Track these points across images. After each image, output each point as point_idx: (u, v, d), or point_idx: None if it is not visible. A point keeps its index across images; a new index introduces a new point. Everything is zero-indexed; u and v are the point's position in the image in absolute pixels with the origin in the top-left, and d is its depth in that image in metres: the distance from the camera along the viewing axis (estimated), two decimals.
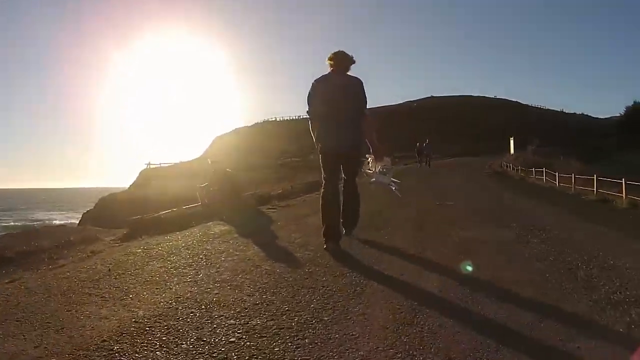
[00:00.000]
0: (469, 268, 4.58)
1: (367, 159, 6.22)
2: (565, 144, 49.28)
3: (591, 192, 14.54)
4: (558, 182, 18.20)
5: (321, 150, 5.64)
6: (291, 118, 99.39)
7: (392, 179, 6.21)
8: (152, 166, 58.66)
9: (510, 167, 30.48)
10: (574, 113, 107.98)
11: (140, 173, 58.18)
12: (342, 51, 5.78)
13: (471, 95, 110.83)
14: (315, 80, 5.71)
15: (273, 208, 10.79)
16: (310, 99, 5.70)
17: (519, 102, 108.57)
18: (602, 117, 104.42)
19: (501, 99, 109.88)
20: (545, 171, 21.33)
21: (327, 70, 5.77)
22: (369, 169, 6.19)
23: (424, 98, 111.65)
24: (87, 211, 44.81)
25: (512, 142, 44.83)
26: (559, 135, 62.78)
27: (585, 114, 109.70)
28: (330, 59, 5.73)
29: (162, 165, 59.52)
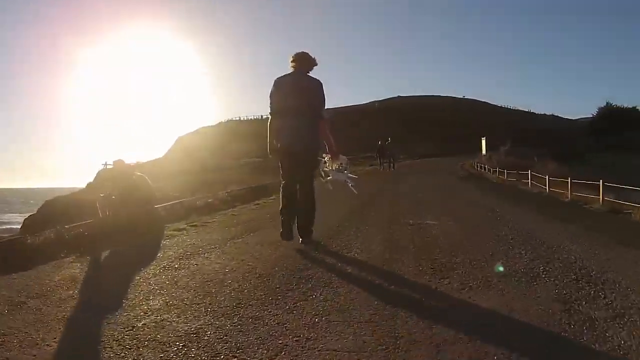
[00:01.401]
0: None
1: (324, 158, 6.47)
2: (536, 144, 48.45)
3: (592, 199, 12.72)
4: (548, 187, 16.09)
5: (278, 148, 5.87)
6: (255, 118, 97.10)
7: (348, 176, 6.61)
8: (108, 166, 56.17)
9: (485, 169, 29.19)
10: (544, 114, 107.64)
11: (97, 173, 55.32)
12: (305, 52, 6.02)
13: (439, 95, 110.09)
14: (277, 79, 5.95)
15: (182, 230, 7.90)
16: (272, 96, 5.92)
17: (488, 103, 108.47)
18: (572, 118, 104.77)
19: (469, 99, 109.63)
20: (530, 174, 19.26)
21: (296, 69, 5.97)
22: (326, 168, 6.52)
23: (391, 98, 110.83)
24: (29, 216, 41.01)
25: (484, 142, 43.69)
26: (530, 135, 62.08)
27: (555, 114, 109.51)
28: (293, 59, 5.96)
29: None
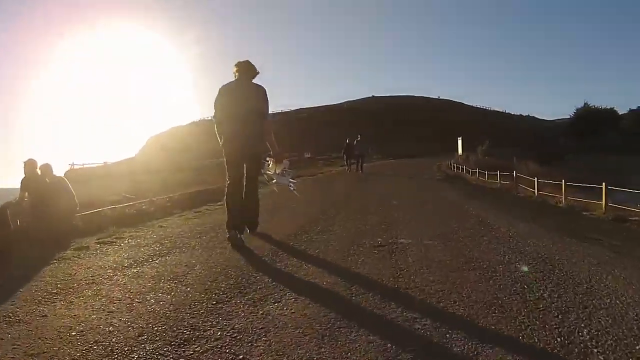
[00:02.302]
0: None
1: (268, 161, 6.83)
2: (514, 145, 47.72)
3: (590, 205, 11.24)
4: (537, 190, 14.33)
5: (225, 152, 6.24)
6: None
7: (290, 180, 6.93)
8: (75, 167, 54.74)
9: (462, 169, 27.78)
10: (520, 114, 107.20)
11: (64, 174, 53.23)
12: (247, 61, 6.37)
13: (413, 96, 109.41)
14: (222, 86, 6.30)
15: (81, 250, 6.21)
16: (216, 103, 6.24)
17: (463, 103, 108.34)
18: (549, 118, 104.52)
19: (444, 99, 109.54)
20: (515, 175, 17.47)
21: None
22: (269, 171, 6.86)
23: (365, 98, 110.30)
24: None
25: (460, 142, 42.84)
26: (507, 136, 61.43)
27: (532, 115, 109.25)
28: (237, 67, 6.30)
29: (85, 166, 55.36)
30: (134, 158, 76.35)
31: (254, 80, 6.35)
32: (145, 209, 10.13)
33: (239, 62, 6.30)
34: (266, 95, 6.34)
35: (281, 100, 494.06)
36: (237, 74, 6.30)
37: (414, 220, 7.92)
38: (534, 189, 14.52)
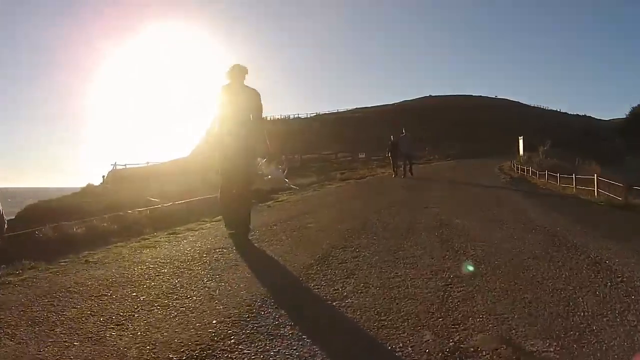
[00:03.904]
0: None
1: (262, 160, 7.36)
2: (571, 145, 44.89)
3: None
4: (626, 199, 11.90)
5: (218, 156, 6.63)
6: (281, 117, 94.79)
7: (285, 176, 7.86)
8: (118, 167, 54.00)
9: (526, 171, 25.39)
10: (577, 114, 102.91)
11: (107, 174, 52.94)
12: (238, 64, 6.57)
13: (471, 95, 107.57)
14: (217, 91, 6.59)
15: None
16: (214, 107, 6.60)
17: (520, 102, 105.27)
18: (604, 118, 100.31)
19: (502, 98, 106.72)
20: (597, 179, 14.78)
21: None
22: (264, 167, 7.48)
23: (422, 97, 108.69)
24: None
25: (521, 142, 40.13)
26: (564, 136, 58.62)
27: (588, 115, 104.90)
28: (228, 72, 6.53)
29: (127, 166, 54.63)
30: (187, 157, 75.86)
31: (246, 83, 6.67)
32: (112, 230, 8.22)
33: (231, 67, 6.58)
34: (259, 97, 6.63)
35: (336, 99, 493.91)
36: (229, 78, 6.57)
37: (499, 274, 4.70)
38: (616, 196, 12.09)
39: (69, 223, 7.48)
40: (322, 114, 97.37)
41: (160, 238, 7.01)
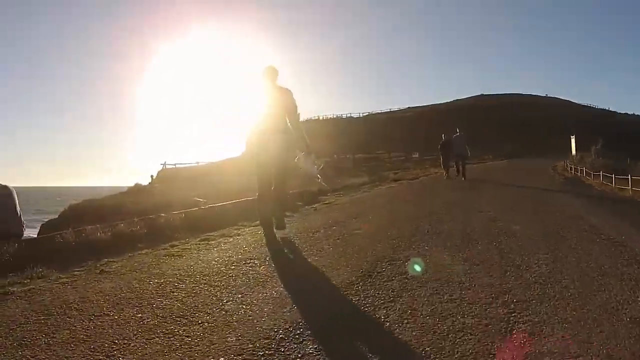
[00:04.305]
0: None
1: (299, 155, 7.08)
2: (621, 145, 43.12)
3: None
4: None
5: (254, 155, 6.62)
6: (334, 116, 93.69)
7: (317, 172, 7.24)
8: (168, 166, 54.29)
9: (579, 172, 24.23)
10: (626, 113, 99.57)
11: (157, 174, 53.32)
12: (270, 66, 6.70)
13: (521, 94, 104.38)
14: (250, 92, 6.88)
15: None
16: (247, 108, 6.78)
17: (570, 101, 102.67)
18: None
19: (552, 97, 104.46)
20: None
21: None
22: (301, 162, 7.11)
23: (474, 96, 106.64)
24: (47, 221, 34.89)
25: (573, 141, 39.14)
26: (613, 135, 56.94)
27: (636, 113, 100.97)
28: (262, 73, 6.64)
29: (176, 166, 54.82)
30: (237, 158, 76.05)
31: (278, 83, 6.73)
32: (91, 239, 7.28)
33: (264, 68, 6.67)
34: (292, 96, 6.65)
35: (390, 99, 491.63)
36: (263, 79, 6.66)
37: (568, 298, 3.88)
38: None
39: (93, 227, 6.84)
40: (374, 114, 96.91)
41: (190, 245, 6.36)
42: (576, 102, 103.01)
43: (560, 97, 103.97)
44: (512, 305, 3.67)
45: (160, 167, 54.26)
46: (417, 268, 4.86)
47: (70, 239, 6.61)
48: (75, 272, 5.04)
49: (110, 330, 3.27)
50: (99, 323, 3.44)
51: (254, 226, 7.79)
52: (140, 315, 3.56)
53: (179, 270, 4.93)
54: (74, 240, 6.63)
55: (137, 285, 4.38)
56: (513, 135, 66.72)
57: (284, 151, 6.63)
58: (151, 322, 3.40)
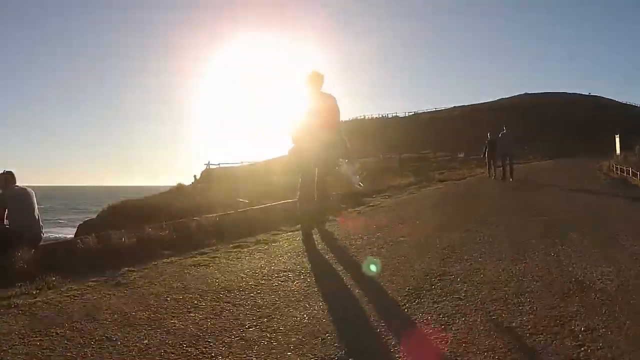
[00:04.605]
0: None
1: (342, 162, 7.27)
2: None
3: None
4: None
5: (298, 157, 6.76)
6: (381, 116, 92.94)
7: (359, 180, 7.64)
8: (211, 166, 54.16)
9: (626, 172, 22.87)
10: None
11: (200, 173, 53.37)
12: (315, 72, 6.76)
13: (565, 92, 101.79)
14: (295, 97, 7.08)
15: None
16: (293, 114, 6.86)
17: (613, 100, 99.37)
18: None
19: (595, 95, 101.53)
20: None
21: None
22: (343, 169, 7.34)
23: (518, 95, 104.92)
24: (85, 221, 35.34)
25: (617, 140, 37.66)
26: None
27: None
28: (306, 80, 6.72)
29: (220, 165, 54.69)
30: (282, 158, 76.10)
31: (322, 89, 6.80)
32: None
33: (308, 75, 6.70)
34: (336, 102, 6.81)
35: (433, 98, 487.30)
36: (307, 85, 6.72)
37: None
38: None
39: (117, 231, 6.35)
40: (420, 113, 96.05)
41: (220, 253, 5.80)
42: (620, 100, 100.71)
43: (604, 96, 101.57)
44: (580, 336, 3.04)
45: (204, 167, 54.03)
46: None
47: (91, 245, 6.12)
48: (90, 283, 4.56)
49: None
50: (98, 349, 2.96)
51: (293, 231, 7.27)
52: (146, 341, 3.06)
53: (202, 284, 4.40)
54: (95, 246, 6.13)
55: (152, 302, 3.88)
56: (557, 135, 65.60)
57: (326, 154, 6.71)
58: (156, 352, 2.88)
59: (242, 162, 57.94)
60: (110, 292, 4.20)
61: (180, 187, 38.57)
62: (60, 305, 3.85)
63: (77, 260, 5.64)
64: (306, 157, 6.69)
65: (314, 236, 6.61)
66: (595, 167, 26.94)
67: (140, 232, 6.65)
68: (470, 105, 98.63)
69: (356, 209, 10.28)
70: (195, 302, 3.85)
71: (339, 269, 4.88)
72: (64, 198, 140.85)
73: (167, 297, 4.00)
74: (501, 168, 19.70)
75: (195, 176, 50.23)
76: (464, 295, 3.89)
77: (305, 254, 5.58)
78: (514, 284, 4.20)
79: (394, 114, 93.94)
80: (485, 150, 20.87)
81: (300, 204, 6.81)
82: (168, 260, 5.47)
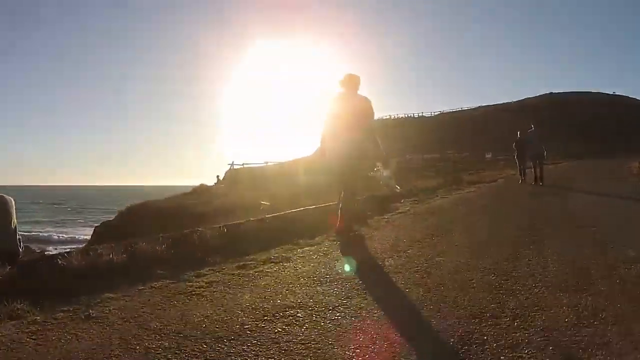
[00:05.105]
0: None
1: (379, 166, 7.56)
2: None
3: None
4: None
5: (329, 160, 6.75)
6: (405, 116, 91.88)
7: (394, 183, 8.04)
8: (235, 166, 53.44)
9: None
10: None
11: (225, 174, 52.68)
12: (352, 74, 6.76)
13: (589, 92, 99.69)
14: (330, 99, 6.83)
15: None
16: (326, 114, 6.80)
17: (637, 99, 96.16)
18: None
19: (619, 95, 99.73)
20: None
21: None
22: (378, 173, 7.67)
23: (543, 94, 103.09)
24: (102, 222, 34.25)
25: None
26: None
27: None
28: (341, 81, 6.71)
29: (244, 166, 53.96)
30: (309, 157, 75.60)
31: (359, 92, 6.80)
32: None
33: (344, 76, 6.72)
34: (371, 105, 6.74)
35: (456, 98, 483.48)
36: (342, 86, 6.74)
37: None
38: None
39: (108, 246, 5.48)
40: (445, 113, 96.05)
41: (221, 276, 4.86)
42: None
43: (629, 96, 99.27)
44: None
45: (228, 167, 53.31)
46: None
47: (74, 262, 5.21)
48: (59, 314, 3.77)
49: None
50: None
51: (310, 245, 6.36)
52: None
53: (186, 324, 3.46)
54: (79, 264, 5.22)
55: (116, 350, 2.99)
56: (582, 135, 65.57)
57: (357, 159, 6.66)
58: None
59: (266, 162, 57.13)
60: (74, 331, 3.42)
61: (202, 188, 37.85)
62: (10, 346, 3.15)
63: (57, 280, 4.79)
64: (337, 161, 6.68)
65: (333, 253, 5.72)
66: (624, 169, 25.78)
67: (134, 246, 5.72)
68: (495, 105, 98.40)
69: (384, 216, 9.20)
70: (168, 352, 2.94)
71: (362, 306, 3.84)
72: (87, 198, 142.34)
73: (137, 341, 3.14)
74: (532, 170, 18.55)
75: (218, 177, 49.42)
76: (524, 351, 2.86)
77: (321, 280, 4.61)
78: (586, 329, 3.17)
79: (420, 114, 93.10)
80: (515, 150, 19.65)
81: (342, 207, 6.80)
82: (157, 285, 4.57)
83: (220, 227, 6.92)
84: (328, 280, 4.56)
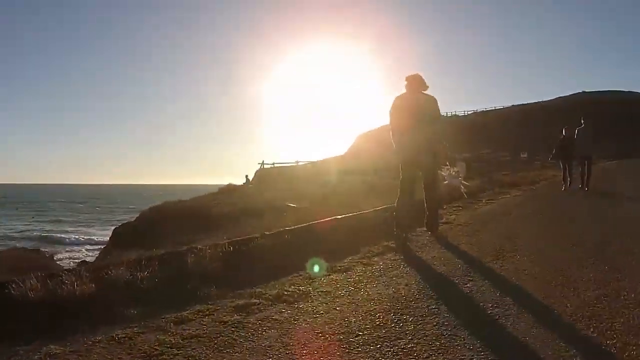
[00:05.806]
0: None
1: (445, 167, 7.42)
2: None
3: None
4: None
5: (399, 159, 6.69)
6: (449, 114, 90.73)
7: (462, 181, 7.69)
8: (265, 166, 52.59)
9: None
10: None
11: (254, 173, 51.78)
12: (418, 74, 6.79)
13: (622, 91, 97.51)
14: (396, 97, 6.77)
15: None
16: (392, 113, 6.75)
17: None
18: None
19: None
20: None
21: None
22: (444, 173, 7.43)
23: (575, 93, 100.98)
24: (123, 224, 32.41)
25: None
26: None
27: None
28: (407, 80, 6.73)
29: (275, 165, 53.09)
30: (343, 155, 74.43)
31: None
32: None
33: (410, 75, 6.73)
34: (437, 104, 6.74)
35: (489, 97, 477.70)
36: (408, 85, 6.69)
37: None
38: None
39: (75, 271, 4.18)
40: (479, 112, 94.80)
41: (207, 325, 3.52)
42: None
43: None
44: None
45: (258, 167, 52.34)
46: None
47: (30, 294, 3.94)
48: None
49: None
50: None
51: (340, 271, 5.01)
52: None
53: None
54: (36, 294, 3.95)
55: None
56: (617, 134, 62.44)
57: (431, 157, 6.68)
58: None
59: (297, 162, 56.08)
60: None
61: (229, 188, 36.70)
62: None
63: (4, 315, 3.56)
64: (409, 159, 6.62)
65: (366, 286, 4.42)
66: None
67: (108, 272, 4.41)
68: (528, 104, 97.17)
69: (423, 227, 7.54)
70: None
71: None
72: (117, 196, 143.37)
73: None
74: (581, 173, 15.45)
75: (247, 176, 48.34)
76: None
77: (355, 336, 3.20)
78: None
79: (452, 113, 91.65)
80: (558, 151, 16.20)
81: (398, 207, 6.66)
82: (120, 335, 3.31)
83: (225, 244, 5.52)
84: (362, 342, 3.12)
